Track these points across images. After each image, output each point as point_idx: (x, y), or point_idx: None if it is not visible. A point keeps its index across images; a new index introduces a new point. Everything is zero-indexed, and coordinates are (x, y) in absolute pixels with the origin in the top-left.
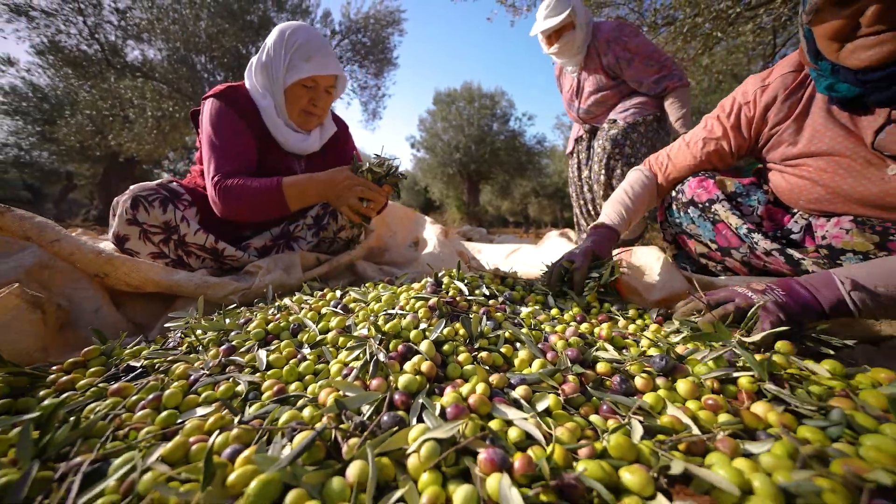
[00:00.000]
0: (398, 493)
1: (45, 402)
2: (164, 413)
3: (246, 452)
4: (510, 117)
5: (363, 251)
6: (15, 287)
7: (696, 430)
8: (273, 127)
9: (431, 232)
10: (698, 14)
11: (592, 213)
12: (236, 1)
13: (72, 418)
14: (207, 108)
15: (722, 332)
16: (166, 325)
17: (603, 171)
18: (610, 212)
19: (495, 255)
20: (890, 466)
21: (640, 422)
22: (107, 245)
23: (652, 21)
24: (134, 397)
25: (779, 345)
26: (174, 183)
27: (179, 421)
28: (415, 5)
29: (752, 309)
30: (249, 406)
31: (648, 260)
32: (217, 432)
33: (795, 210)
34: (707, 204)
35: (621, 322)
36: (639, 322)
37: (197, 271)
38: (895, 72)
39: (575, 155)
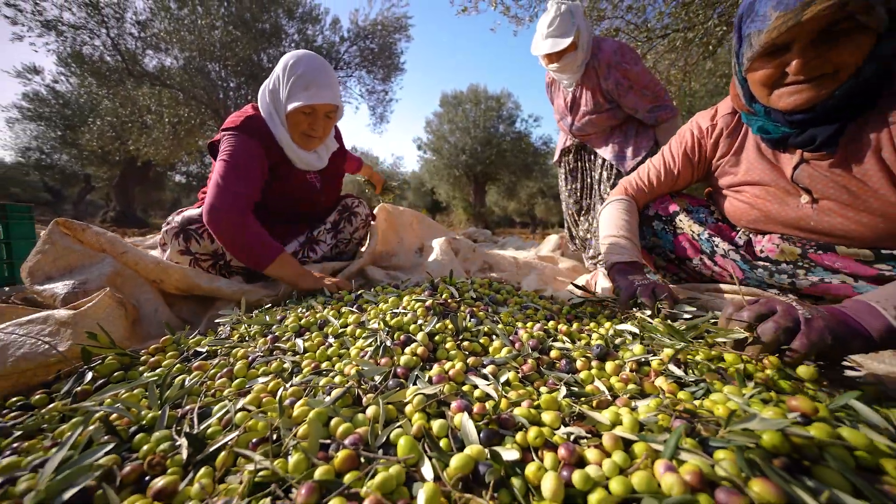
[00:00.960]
0: (398, 424)
1: (147, 374)
2: (237, 380)
3: (301, 401)
4: (516, 119)
5: (370, 258)
6: (107, 290)
7: (607, 394)
8: (288, 149)
9: (436, 241)
10: (690, 29)
11: (579, 220)
12: (248, 10)
13: (174, 382)
14: (229, 137)
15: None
16: (216, 321)
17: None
18: (631, 247)
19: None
20: (711, 408)
21: (571, 388)
22: (155, 252)
23: (647, 35)
24: (211, 371)
25: (802, 370)
26: None
27: (248, 385)
28: (422, 10)
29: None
30: (295, 377)
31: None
32: (280, 390)
33: (739, 227)
34: (670, 217)
35: (584, 320)
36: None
37: (233, 278)
38: (811, 117)
39: (563, 165)
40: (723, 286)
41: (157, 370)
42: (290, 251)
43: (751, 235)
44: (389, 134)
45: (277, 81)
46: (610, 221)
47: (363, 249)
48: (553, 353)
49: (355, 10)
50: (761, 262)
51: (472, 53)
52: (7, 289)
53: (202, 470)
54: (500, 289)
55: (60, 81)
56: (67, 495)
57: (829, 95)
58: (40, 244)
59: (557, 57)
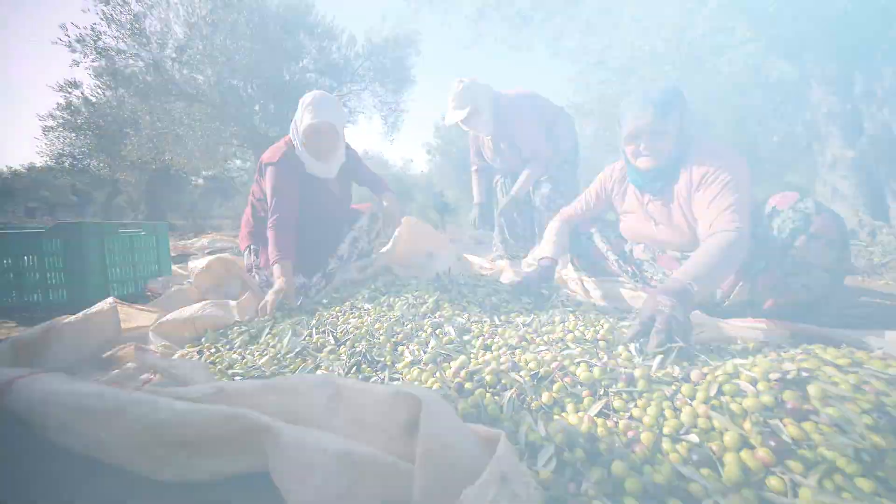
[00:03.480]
0: (422, 331)
1: (290, 319)
2: (342, 318)
3: (377, 323)
4: None
5: (395, 258)
6: (251, 290)
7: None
8: (308, 163)
9: (444, 248)
10: (655, 64)
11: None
12: (273, 32)
13: (312, 322)
14: (271, 171)
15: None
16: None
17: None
18: (552, 247)
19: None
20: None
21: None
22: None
23: (620, 73)
24: (326, 315)
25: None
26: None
27: (348, 321)
28: (430, 17)
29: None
30: (369, 317)
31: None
32: (367, 321)
33: (629, 241)
34: (590, 234)
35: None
36: None
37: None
38: (654, 174)
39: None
40: (622, 280)
41: (292, 319)
42: (347, 236)
43: (633, 246)
44: (400, 139)
45: (297, 114)
46: (547, 232)
47: (382, 250)
48: (503, 312)
49: (370, 28)
50: (633, 264)
51: (479, 59)
52: (160, 279)
53: (341, 346)
54: (481, 278)
55: (97, 95)
56: (295, 350)
57: (660, 164)
58: (203, 268)
59: (465, 123)
